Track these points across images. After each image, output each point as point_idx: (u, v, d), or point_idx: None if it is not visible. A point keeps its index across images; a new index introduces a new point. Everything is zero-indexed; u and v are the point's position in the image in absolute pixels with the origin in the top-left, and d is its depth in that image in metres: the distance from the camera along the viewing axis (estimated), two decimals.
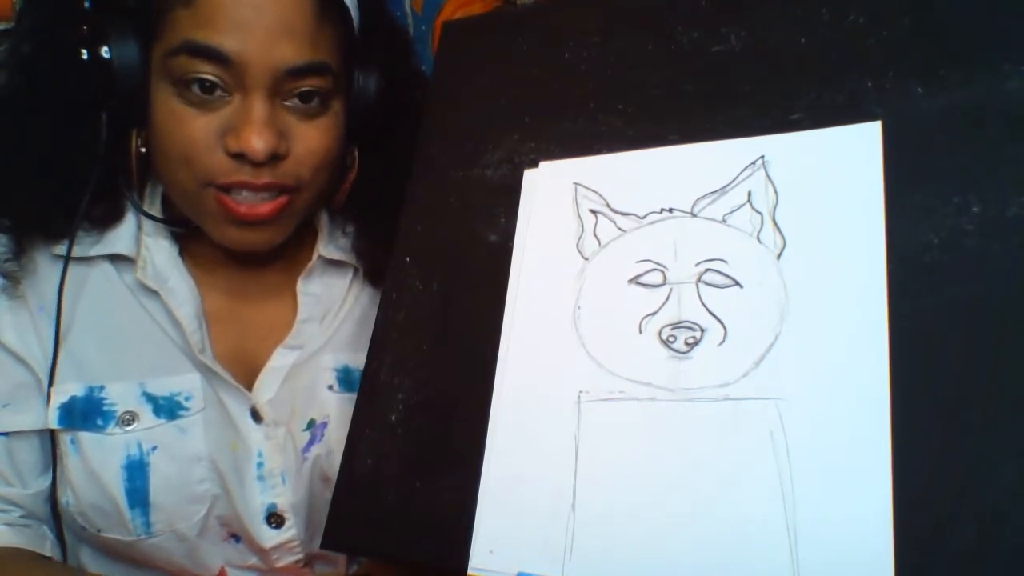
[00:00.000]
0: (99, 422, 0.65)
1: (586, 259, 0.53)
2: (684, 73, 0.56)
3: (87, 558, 0.70)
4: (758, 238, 0.48)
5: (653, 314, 0.49)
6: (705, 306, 0.48)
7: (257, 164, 0.60)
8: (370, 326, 0.62)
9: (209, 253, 0.70)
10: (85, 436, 0.64)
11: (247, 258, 0.71)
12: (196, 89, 0.59)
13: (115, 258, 0.67)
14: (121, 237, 0.67)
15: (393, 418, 0.57)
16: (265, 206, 0.62)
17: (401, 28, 0.78)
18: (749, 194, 0.50)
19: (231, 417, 0.68)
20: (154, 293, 0.67)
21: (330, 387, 0.72)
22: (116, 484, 0.64)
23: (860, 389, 0.43)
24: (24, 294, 0.65)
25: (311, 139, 0.63)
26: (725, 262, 0.49)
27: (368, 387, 0.59)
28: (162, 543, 0.66)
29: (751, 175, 0.50)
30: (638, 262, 0.51)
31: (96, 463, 0.64)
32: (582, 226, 0.54)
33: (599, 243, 0.53)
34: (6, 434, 0.65)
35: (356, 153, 0.70)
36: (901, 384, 0.42)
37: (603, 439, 0.48)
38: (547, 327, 0.52)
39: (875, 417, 0.42)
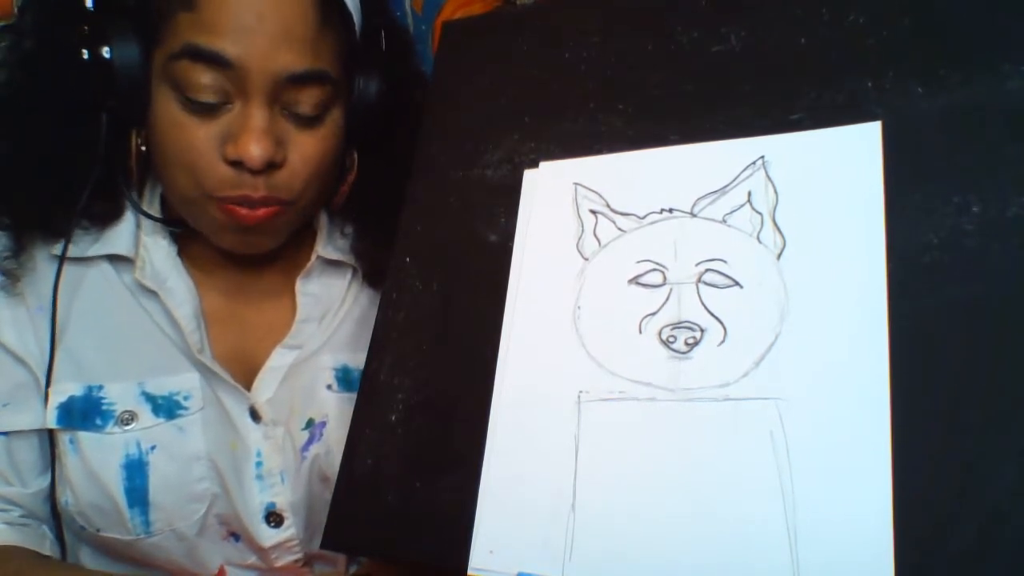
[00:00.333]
0: (98, 422, 0.65)
1: (586, 259, 0.53)
2: (684, 73, 0.56)
3: (86, 558, 0.70)
4: (758, 238, 0.48)
5: (653, 314, 0.49)
6: (705, 306, 0.48)
7: (255, 172, 0.60)
8: (369, 326, 0.62)
9: (208, 253, 0.70)
10: (84, 436, 0.64)
11: (246, 258, 0.71)
12: (197, 97, 0.59)
13: (114, 258, 0.67)
14: (120, 236, 0.67)
15: (393, 418, 0.57)
16: (259, 211, 0.63)
17: (402, 28, 0.78)
18: (749, 194, 0.50)
19: (230, 416, 0.68)
20: (153, 293, 0.67)
21: (329, 387, 0.72)
22: (115, 483, 0.64)
23: (860, 389, 0.43)
24: (23, 293, 0.65)
25: (308, 148, 0.63)
26: (725, 262, 0.49)
27: (368, 387, 0.59)
28: (161, 542, 0.66)
29: (751, 175, 0.50)
30: (638, 262, 0.51)
31: (95, 462, 0.64)
32: (582, 226, 0.54)
33: (599, 243, 0.53)
34: (6, 433, 0.65)
35: (355, 155, 0.70)
36: (901, 384, 0.42)
37: (603, 439, 0.48)
38: (547, 327, 0.52)
39: (875, 417, 0.42)
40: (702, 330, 0.48)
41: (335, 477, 0.58)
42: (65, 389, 0.65)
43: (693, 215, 0.51)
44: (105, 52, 0.59)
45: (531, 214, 0.57)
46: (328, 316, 0.74)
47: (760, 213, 0.49)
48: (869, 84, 0.49)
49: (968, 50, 0.48)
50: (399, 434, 0.56)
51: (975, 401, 0.41)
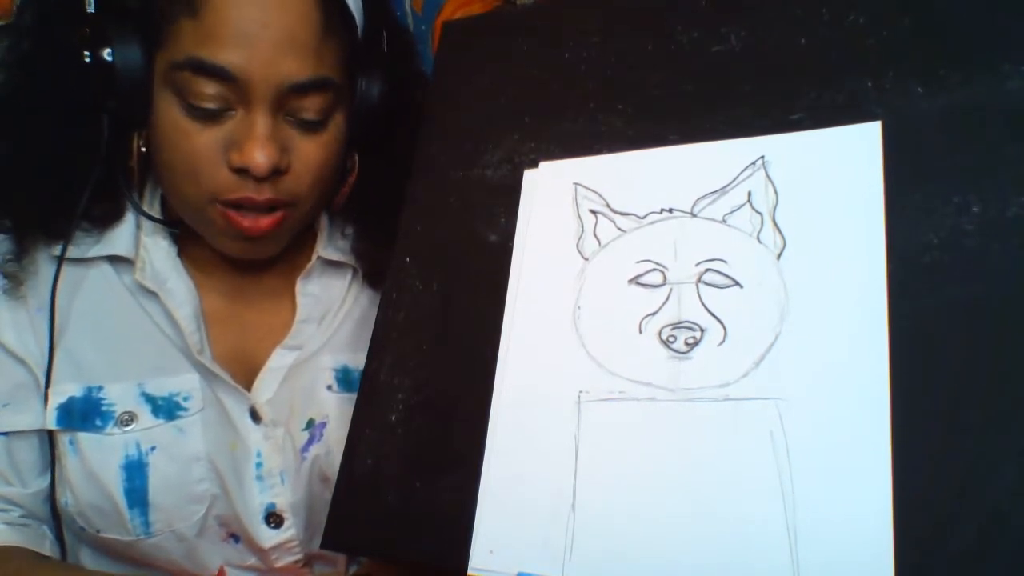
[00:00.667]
0: (98, 422, 0.65)
1: (586, 259, 0.53)
2: (684, 73, 0.56)
3: (86, 558, 0.70)
4: (758, 238, 0.48)
5: (653, 314, 0.49)
6: (705, 306, 0.48)
7: (259, 179, 0.60)
8: (369, 326, 0.62)
9: (208, 254, 0.70)
10: (84, 436, 0.64)
11: (246, 260, 0.71)
12: (200, 105, 0.59)
13: (114, 259, 0.67)
14: (121, 237, 0.67)
15: (393, 418, 0.57)
16: (266, 219, 0.63)
17: (403, 28, 0.78)
18: (749, 194, 0.50)
19: (230, 417, 0.68)
20: (153, 294, 0.67)
21: (329, 387, 0.72)
22: (115, 484, 0.64)
23: (860, 389, 0.43)
24: (25, 295, 0.65)
25: (312, 153, 0.63)
26: (725, 262, 0.49)
27: (368, 387, 0.59)
28: (161, 543, 0.66)
29: (751, 175, 0.50)
30: (638, 262, 0.51)
31: (95, 463, 0.64)
32: (582, 226, 0.54)
33: (599, 243, 0.53)
34: (6, 434, 0.65)
35: (356, 157, 0.70)
36: (901, 384, 0.42)
37: (603, 439, 0.48)
38: (547, 327, 0.52)
39: (875, 417, 0.42)
40: (702, 330, 0.48)
41: (335, 477, 0.58)
42: (65, 390, 0.65)
43: (693, 215, 0.51)
44: (107, 54, 0.58)
45: (531, 214, 0.57)
46: (328, 317, 0.74)
47: (760, 213, 0.49)
48: (869, 84, 0.49)
49: (968, 50, 0.48)
50: (399, 434, 0.56)
51: (975, 401, 0.41)
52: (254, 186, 0.61)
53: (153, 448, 0.65)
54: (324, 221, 0.75)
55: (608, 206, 0.54)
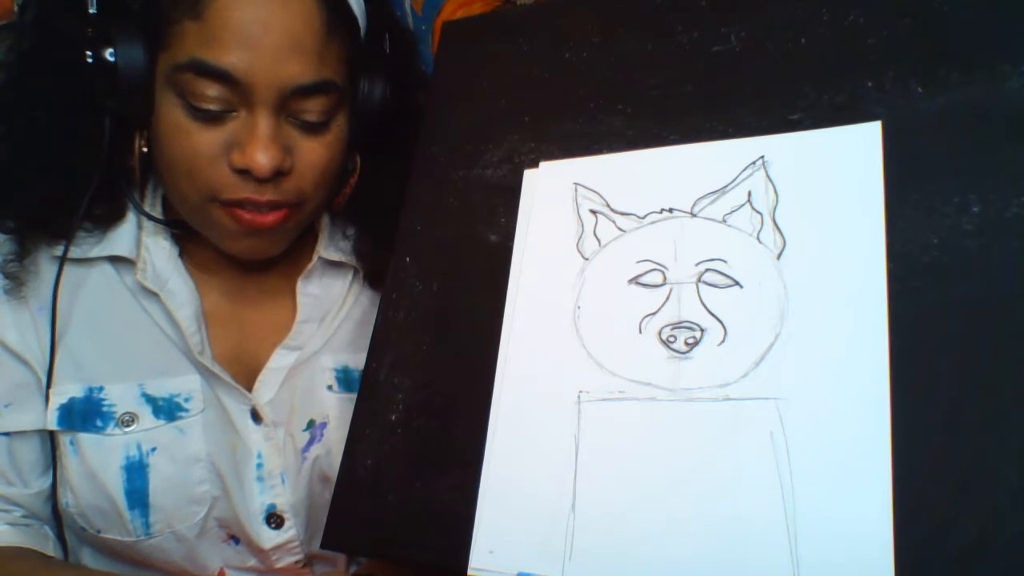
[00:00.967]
0: (98, 423, 0.65)
1: (586, 259, 0.53)
2: (684, 73, 0.56)
3: (88, 558, 0.70)
4: (758, 238, 0.48)
5: (653, 314, 0.49)
6: (705, 306, 0.48)
7: (262, 180, 0.60)
8: (369, 327, 0.62)
9: (209, 255, 0.70)
10: (84, 437, 0.64)
11: (247, 260, 0.71)
12: (203, 106, 0.59)
13: (115, 259, 0.67)
14: (122, 238, 0.67)
15: (393, 418, 0.57)
16: (268, 216, 0.63)
17: (405, 29, 0.78)
18: (749, 194, 0.50)
19: (231, 418, 0.68)
20: (154, 295, 0.67)
21: (329, 387, 0.72)
22: (115, 485, 0.64)
23: (860, 389, 0.43)
24: (27, 295, 0.65)
25: (314, 154, 0.63)
26: (725, 262, 0.49)
27: (368, 387, 0.59)
28: (161, 544, 0.66)
29: (751, 175, 0.50)
30: (638, 262, 0.51)
31: (95, 464, 0.64)
32: (582, 226, 0.54)
33: (599, 243, 0.53)
34: (7, 434, 0.65)
35: (357, 157, 0.70)
36: (901, 384, 0.42)
37: (603, 439, 0.48)
38: (547, 327, 0.52)
39: (875, 417, 0.42)
40: (702, 330, 0.48)
41: (336, 478, 0.58)
42: (65, 390, 0.65)
43: (693, 215, 0.51)
44: (109, 55, 0.58)
45: (531, 214, 0.57)
46: (328, 317, 0.74)
47: (760, 213, 0.49)
48: (869, 84, 0.49)
49: (968, 50, 0.48)
50: (399, 434, 0.56)
51: (975, 401, 0.41)
52: (255, 187, 0.61)
53: (154, 449, 0.65)
54: (325, 221, 0.75)
55: (608, 206, 0.54)
